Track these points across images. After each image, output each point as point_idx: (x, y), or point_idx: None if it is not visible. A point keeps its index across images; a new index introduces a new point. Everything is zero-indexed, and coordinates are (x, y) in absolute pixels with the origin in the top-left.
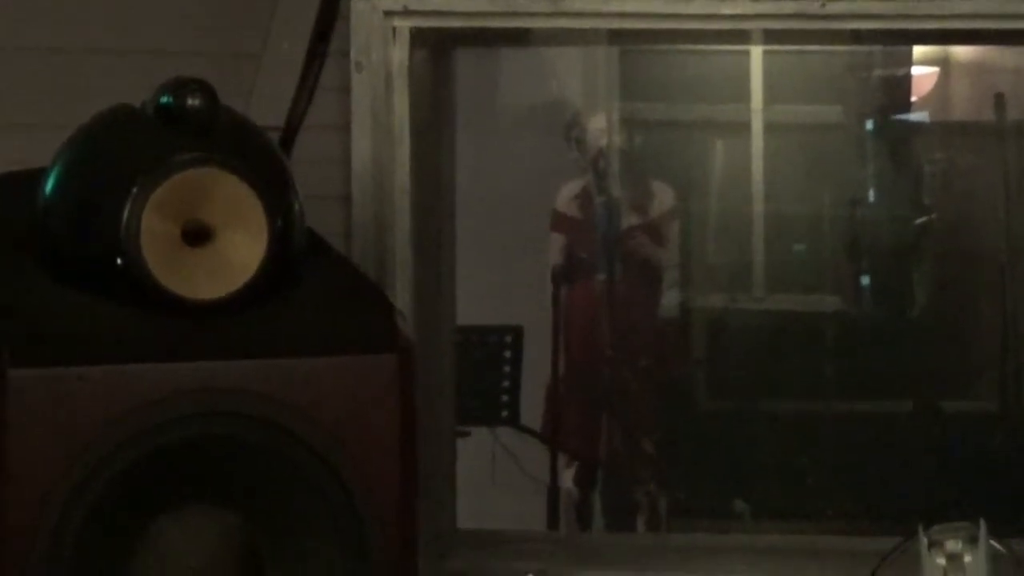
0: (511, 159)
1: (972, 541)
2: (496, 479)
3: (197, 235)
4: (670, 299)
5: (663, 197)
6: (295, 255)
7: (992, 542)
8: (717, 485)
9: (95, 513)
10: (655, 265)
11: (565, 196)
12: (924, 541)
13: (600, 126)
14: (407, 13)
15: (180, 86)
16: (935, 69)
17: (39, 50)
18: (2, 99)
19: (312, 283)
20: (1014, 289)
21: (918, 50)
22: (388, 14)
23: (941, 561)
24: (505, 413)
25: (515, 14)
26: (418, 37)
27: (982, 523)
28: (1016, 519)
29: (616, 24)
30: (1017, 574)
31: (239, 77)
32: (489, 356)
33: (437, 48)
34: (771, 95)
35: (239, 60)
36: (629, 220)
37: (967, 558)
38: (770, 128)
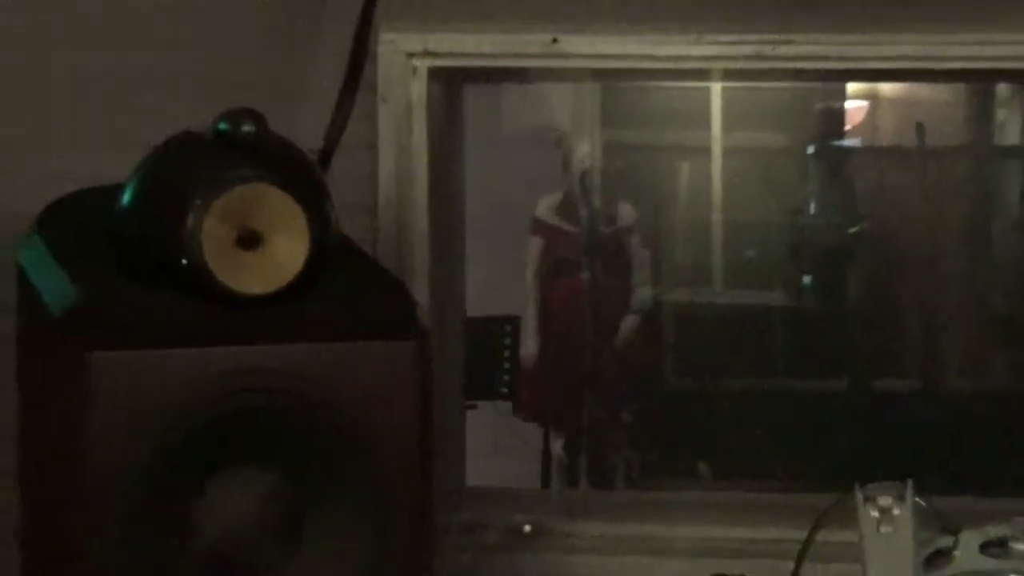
0: (511, 174)
1: (900, 498)
2: (498, 445)
3: (249, 240)
4: (643, 294)
5: (624, 214)
6: (331, 256)
7: (917, 499)
8: (684, 450)
9: (162, 471)
10: (628, 262)
11: (544, 206)
12: (860, 497)
13: (585, 150)
14: (426, 54)
15: (235, 115)
16: (866, 102)
17: (107, 78)
18: (73, 121)
19: (344, 280)
20: (933, 285)
21: (851, 86)
22: (410, 55)
23: (875, 514)
24: (505, 390)
25: (515, 55)
26: (434, 74)
27: (909, 482)
28: (937, 479)
29: (600, 64)
30: (935, 524)
31: (285, 106)
32: (492, 342)
33: (450, 83)
34: (728, 123)
35: (285, 91)
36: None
37: (896, 511)
38: (727, 151)
